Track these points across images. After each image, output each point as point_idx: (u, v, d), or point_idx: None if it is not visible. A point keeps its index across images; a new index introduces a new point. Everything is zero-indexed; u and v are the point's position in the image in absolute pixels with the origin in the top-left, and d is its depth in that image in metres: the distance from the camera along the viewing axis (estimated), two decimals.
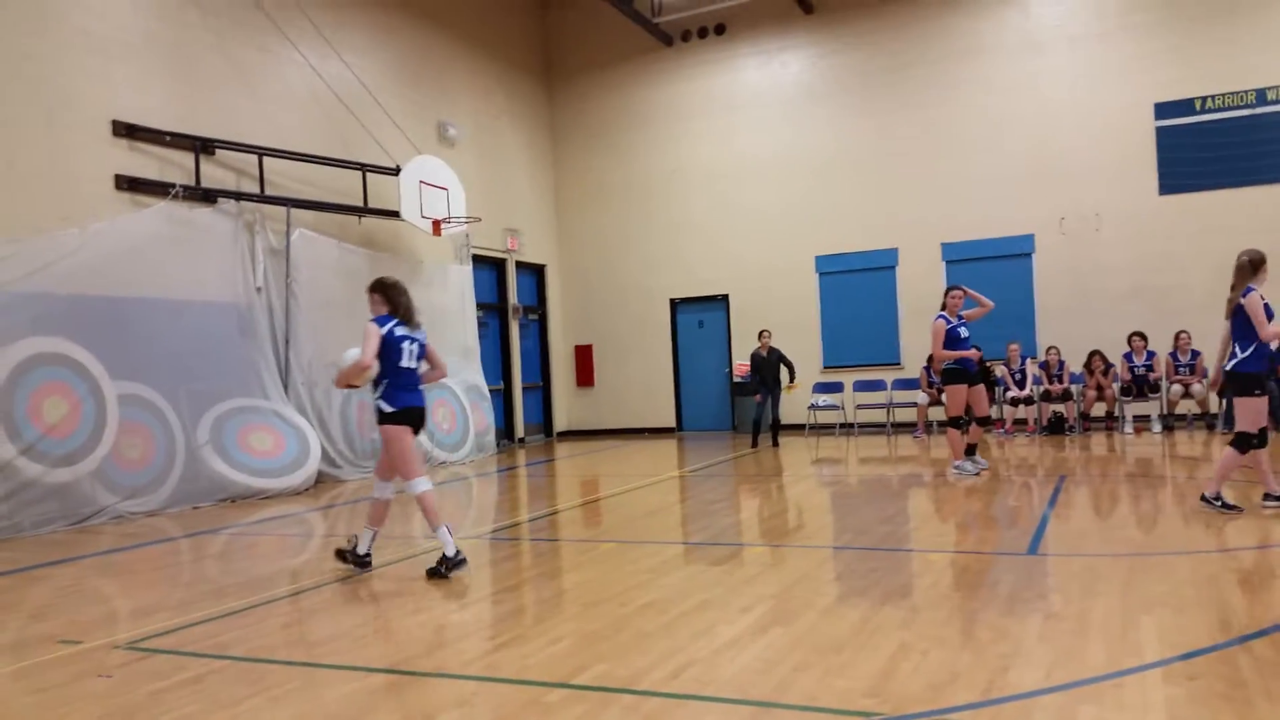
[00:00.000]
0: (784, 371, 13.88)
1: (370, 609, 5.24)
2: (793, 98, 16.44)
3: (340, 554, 6.43)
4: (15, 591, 6.27)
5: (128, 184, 10.15)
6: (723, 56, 16.94)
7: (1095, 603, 4.62)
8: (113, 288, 9.52)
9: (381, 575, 6.17)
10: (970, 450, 9.86)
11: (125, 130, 10.17)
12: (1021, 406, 13.88)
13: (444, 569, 5.94)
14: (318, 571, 6.53)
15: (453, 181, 13.91)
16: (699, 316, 17.46)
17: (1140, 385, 13.41)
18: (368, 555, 6.33)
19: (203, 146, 10.96)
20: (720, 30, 16.90)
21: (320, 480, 11.41)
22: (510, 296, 16.84)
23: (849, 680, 3.67)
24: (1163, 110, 14.02)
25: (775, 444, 14.03)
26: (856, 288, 16.01)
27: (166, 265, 10.23)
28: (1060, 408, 13.81)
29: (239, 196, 11.28)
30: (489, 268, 16.49)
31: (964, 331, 9.70)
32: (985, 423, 10.13)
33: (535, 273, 17.86)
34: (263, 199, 11.55)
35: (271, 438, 10.87)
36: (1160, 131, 14.04)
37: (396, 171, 13.10)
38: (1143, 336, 13.50)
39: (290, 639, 4.83)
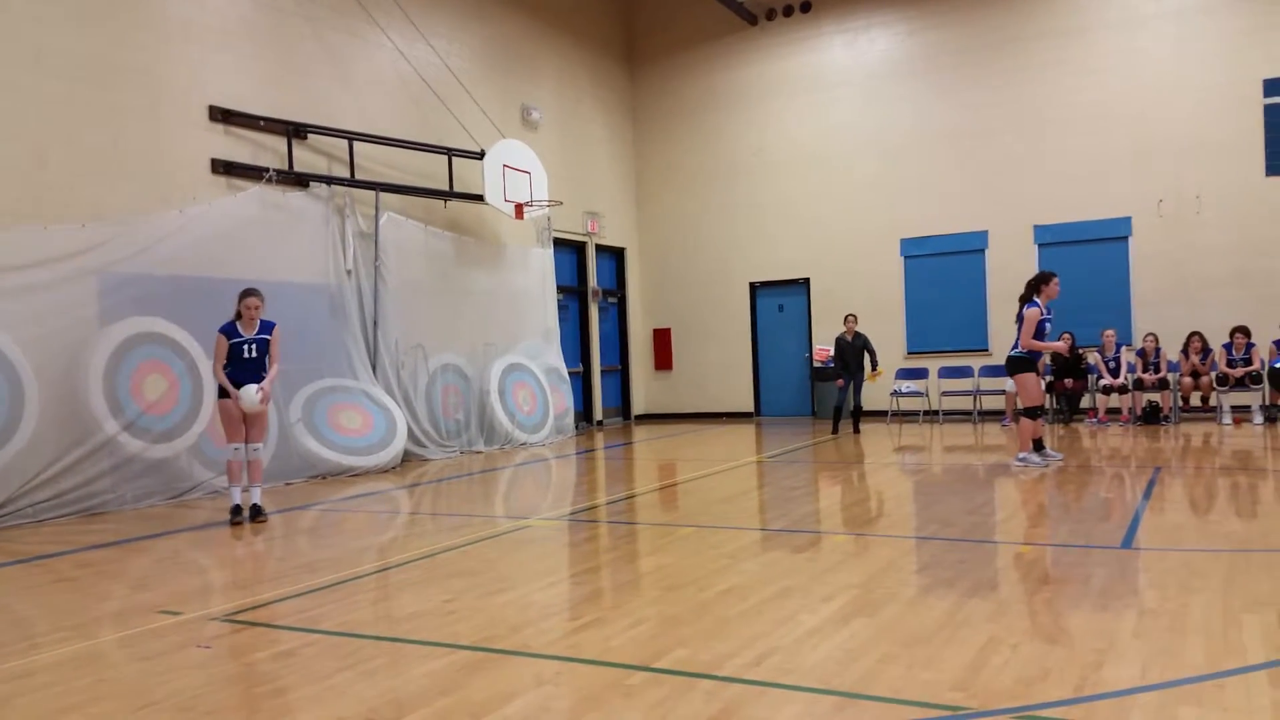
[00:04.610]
0: (867, 358, 13.66)
1: (454, 587, 5.33)
2: (879, 76, 16.13)
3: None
4: (119, 562, 6.55)
5: (223, 168, 10.45)
6: (807, 35, 16.69)
7: (1194, 599, 4.46)
8: (209, 269, 9.82)
9: (465, 554, 6.27)
10: (1038, 445, 9.56)
11: (221, 115, 10.47)
12: (1115, 395, 13.45)
13: (233, 518, 7.76)
14: (404, 548, 6.68)
15: (535, 165, 14.02)
16: (779, 300, 17.31)
17: (1240, 377, 12.83)
18: (235, 506, 7.85)
19: (295, 131, 11.23)
20: (805, 8, 16.66)
21: (406, 459, 11.68)
22: (590, 279, 16.92)
23: (935, 673, 3.60)
24: (1273, 87, 13.37)
25: (856, 430, 13.86)
26: (943, 271, 15.68)
27: (260, 247, 10.52)
28: (1156, 397, 13.35)
29: (330, 180, 11.53)
30: (569, 251, 16.58)
31: (1048, 326, 9.48)
32: (1039, 413, 9.69)
33: (615, 256, 17.90)
34: (353, 183, 11.79)
35: (360, 417, 11.13)
36: (1269, 109, 13.40)
37: (481, 155, 13.24)
38: (1245, 332, 12.89)
39: (378, 615, 4.94)
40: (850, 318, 13.93)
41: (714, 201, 17.57)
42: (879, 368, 13.68)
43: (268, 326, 8.00)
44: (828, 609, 4.55)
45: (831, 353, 14.40)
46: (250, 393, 7.72)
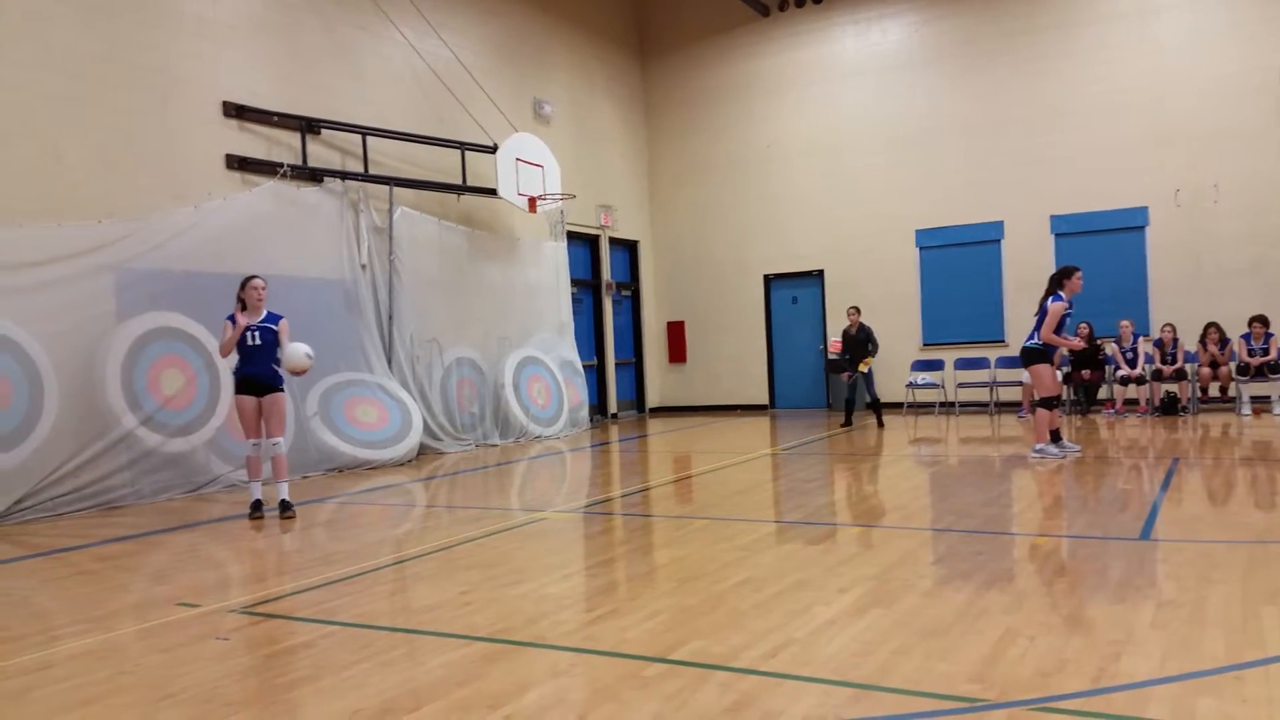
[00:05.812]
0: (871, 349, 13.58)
1: (470, 579, 5.34)
2: (893, 67, 16.04)
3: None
4: (138, 555, 6.60)
5: (238, 163, 10.49)
6: (820, 26, 16.62)
7: (1212, 591, 4.43)
8: (225, 264, 9.83)
9: (481, 546, 6.29)
10: (1055, 436, 9.52)
11: (235, 111, 10.51)
12: (1133, 386, 13.37)
13: (252, 513, 7.70)
14: (420, 541, 6.70)
15: (548, 158, 14.01)
16: (793, 292, 17.27)
17: (1260, 367, 12.73)
18: (256, 501, 7.79)
19: (308, 126, 11.26)
20: None
21: (422, 452, 11.71)
22: (604, 272, 16.91)
23: (952, 665, 3.59)
24: None
25: (880, 424, 13.53)
26: (959, 262, 15.60)
27: (275, 243, 10.55)
28: (1174, 387, 13.25)
29: (344, 176, 11.56)
30: (583, 244, 16.58)
31: (1067, 320, 9.44)
32: (1056, 403, 9.66)
33: (628, 249, 17.89)
34: (366, 178, 11.82)
35: (376, 410, 11.17)
36: None
37: (494, 149, 13.25)
38: (1264, 322, 12.79)
39: (395, 607, 4.96)
40: (853, 310, 13.84)
41: (727, 194, 17.53)
42: (866, 360, 13.50)
43: (274, 318, 7.83)
44: (843, 601, 4.54)
45: (841, 345, 14.32)
46: (297, 350, 7.62)
